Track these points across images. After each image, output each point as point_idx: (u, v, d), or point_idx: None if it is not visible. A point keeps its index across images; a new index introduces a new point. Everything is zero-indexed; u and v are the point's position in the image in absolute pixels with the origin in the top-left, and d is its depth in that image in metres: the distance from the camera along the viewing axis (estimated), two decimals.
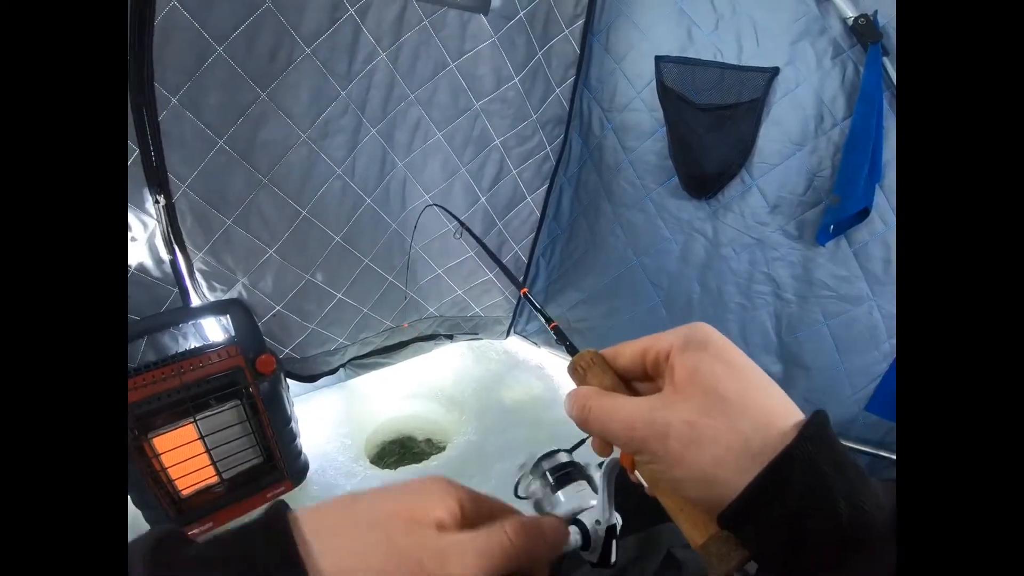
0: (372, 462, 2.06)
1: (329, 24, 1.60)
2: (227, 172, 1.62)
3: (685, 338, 0.40)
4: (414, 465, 2.03)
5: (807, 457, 0.34)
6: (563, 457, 0.60)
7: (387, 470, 2.00)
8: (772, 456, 0.34)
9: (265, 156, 1.66)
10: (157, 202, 1.55)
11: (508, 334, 2.54)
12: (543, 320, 0.77)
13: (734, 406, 0.37)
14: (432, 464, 2.01)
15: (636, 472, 0.43)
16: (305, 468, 1.89)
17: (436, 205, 1.76)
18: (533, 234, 2.28)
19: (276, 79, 1.58)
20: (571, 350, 0.53)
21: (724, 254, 1.88)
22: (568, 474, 0.59)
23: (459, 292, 2.30)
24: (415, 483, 0.39)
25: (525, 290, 0.93)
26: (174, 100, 1.47)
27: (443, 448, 2.12)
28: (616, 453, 0.45)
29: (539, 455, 0.61)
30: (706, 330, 0.41)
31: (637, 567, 0.72)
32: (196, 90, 1.49)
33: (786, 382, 1.80)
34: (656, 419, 0.38)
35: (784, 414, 0.37)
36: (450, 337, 2.40)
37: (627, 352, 0.44)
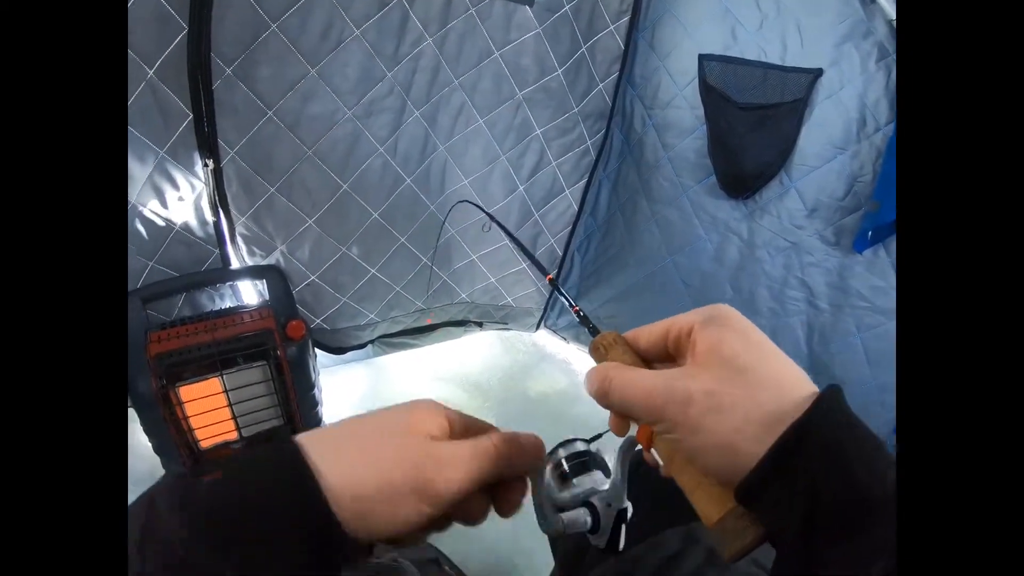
0: None
1: (378, 9, 1.63)
2: (274, 142, 1.67)
3: (707, 315, 0.41)
4: None
5: (823, 424, 0.34)
6: (580, 446, 0.60)
7: None
8: (788, 425, 0.34)
9: (311, 129, 1.70)
10: (206, 165, 1.61)
11: (538, 327, 2.51)
12: (567, 303, 0.75)
13: (753, 377, 0.37)
14: None
15: (652, 450, 0.43)
16: None
17: (466, 201, 1.75)
18: (569, 228, 2.25)
19: (325, 57, 1.62)
20: (593, 332, 0.52)
21: (758, 256, 1.82)
22: (584, 463, 0.59)
23: (492, 280, 2.29)
24: (407, 403, 0.43)
25: (551, 276, 0.89)
26: (228, 71, 1.52)
27: None
28: (632, 431, 0.45)
29: (556, 444, 0.60)
30: (727, 309, 0.42)
31: (678, 562, 0.70)
32: (249, 63, 1.54)
33: None
34: (676, 388, 0.38)
35: (801, 386, 0.37)
36: (480, 325, 2.39)
37: (648, 333, 0.46)
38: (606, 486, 0.56)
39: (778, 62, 1.61)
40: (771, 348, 0.39)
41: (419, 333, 2.27)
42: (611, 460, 0.57)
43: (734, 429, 0.36)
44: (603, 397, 0.44)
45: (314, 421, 1.85)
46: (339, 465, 0.36)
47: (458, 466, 0.39)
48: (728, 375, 0.37)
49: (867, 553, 0.31)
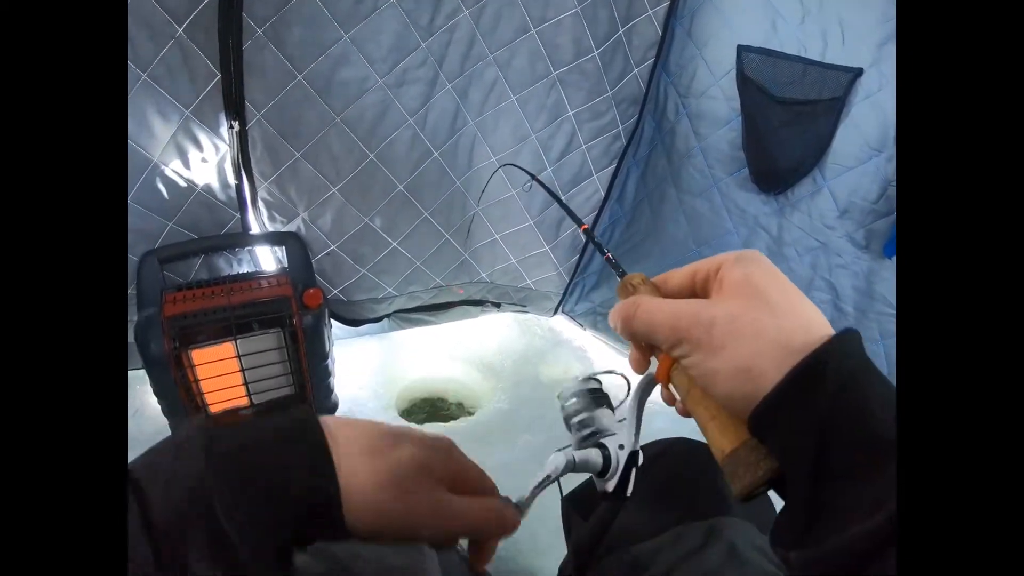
0: (400, 415, 2.00)
1: None
2: (302, 106, 1.61)
3: (737, 255, 0.41)
4: (440, 424, 1.95)
5: (843, 357, 0.33)
6: (593, 383, 0.59)
7: (412, 424, 1.93)
8: (809, 353, 0.34)
9: (340, 96, 1.64)
10: (231, 127, 1.55)
11: (556, 312, 2.43)
12: (600, 251, 0.71)
13: (778, 307, 0.37)
14: (460, 425, 1.93)
15: (671, 385, 0.43)
16: (334, 407, 1.86)
17: (511, 164, 1.66)
18: (595, 213, 2.18)
19: (360, 22, 1.56)
20: (622, 275, 0.51)
21: (786, 254, 1.74)
22: (597, 399, 0.58)
23: (513, 260, 2.22)
24: (436, 441, 0.44)
25: (585, 226, 0.84)
26: (259, 31, 1.47)
27: (473, 413, 2.04)
28: (652, 369, 0.45)
29: (580, 378, 0.60)
30: (755, 252, 0.41)
31: (698, 558, 0.69)
32: (281, 24, 1.48)
33: None
34: (702, 311, 0.38)
35: (823, 325, 0.37)
36: (497, 306, 2.32)
37: (677, 276, 0.45)
38: (617, 428, 0.55)
39: (818, 58, 1.54)
40: (797, 290, 0.39)
41: (436, 310, 2.21)
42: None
43: (755, 352, 0.35)
44: (627, 322, 0.43)
45: (325, 391, 1.80)
46: (358, 481, 0.38)
47: (464, 522, 0.42)
48: (754, 303, 0.37)
49: (876, 496, 0.29)
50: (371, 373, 2.08)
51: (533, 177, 1.11)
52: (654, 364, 0.45)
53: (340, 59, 1.57)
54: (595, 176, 2.09)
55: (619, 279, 0.51)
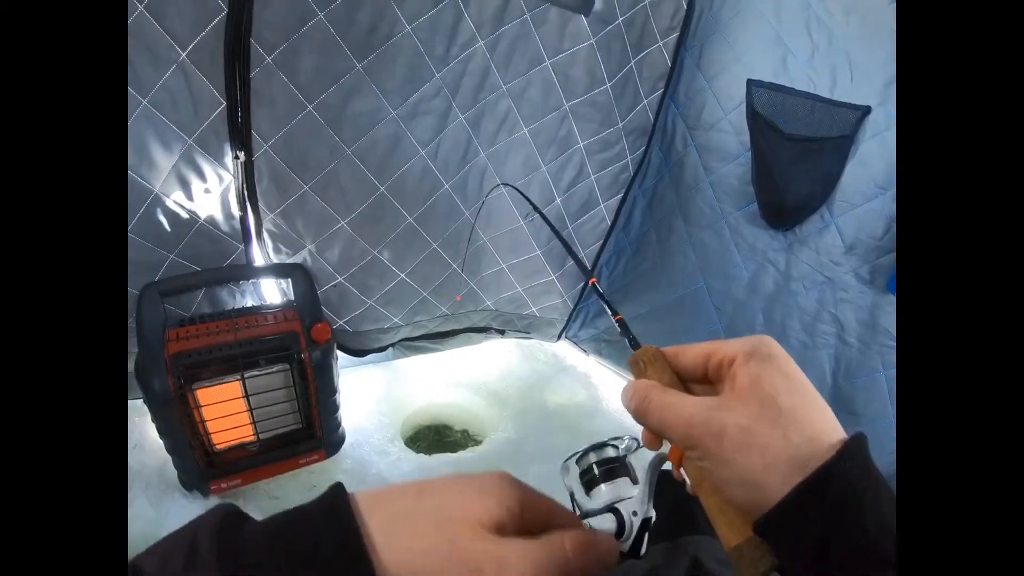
0: (406, 444, 1.94)
1: (433, 5, 1.48)
2: (312, 138, 1.52)
3: (752, 347, 0.40)
4: (449, 454, 1.89)
5: (844, 474, 0.34)
6: (610, 452, 0.59)
7: (421, 455, 1.87)
8: (815, 468, 0.34)
9: (352, 127, 1.55)
10: (237, 158, 1.46)
11: (559, 337, 2.38)
12: (609, 312, 0.69)
13: (788, 418, 0.37)
14: (467, 455, 1.88)
15: (682, 469, 0.43)
16: (341, 440, 1.78)
17: (510, 185, 1.60)
18: (601, 242, 2.12)
19: (374, 52, 1.47)
20: (633, 344, 0.51)
21: (793, 288, 1.72)
22: (613, 470, 0.58)
23: (519, 289, 2.16)
24: (480, 480, 0.37)
25: (594, 280, 0.81)
26: (268, 59, 1.37)
27: (480, 441, 1.99)
28: (664, 449, 0.45)
29: (587, 446, 0.59)
30: (771, 343, 0.40)
31: (666, 572, 0.71)
32: (292, 52, 1.39)
33: None
34: (713, 419, 0.38)
35: (831, 431, 0.37)
36: (502, 332, 2.26)
37: (690, 353, 0.44)
38: (632, 493, 0.56)
39: (827, 95, 1.52)
40: (809, 389, 0.39)
41: (440, 338, 2.14)
42: (637, 466, 0.56)
43: (763, 466, 0.36)
44: (641, 416, 0.43)
45: (333, 425, 1.72)
46: (395, 551, 0.32)
47: (523, 572, 0.32)
48: (764, 413, 0.37)
49: None
50: (375, 402, 2.00)
51: (536, 209, 1.05)
52: (666, 443, 0.45)
53: (352, 90, 1.48)
54: (602, 205, 2.03)
55: (629, 345, 0.50)
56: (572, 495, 0.59)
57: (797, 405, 0.37)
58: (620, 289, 2.20)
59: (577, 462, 0.60)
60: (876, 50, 1.43)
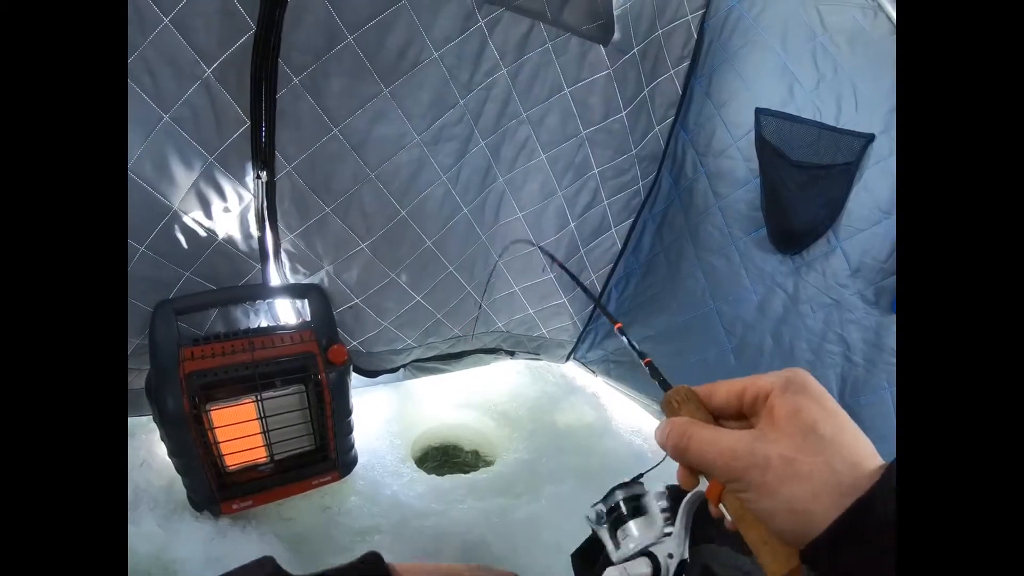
0: (416, 464, 1.89)
1: (460, 32, 1.46)
2: (336, 161, 1.48)
3: (787, 380, 0.40)
4: (461, 475, 1.84)
5: (888, 498, 0.33)
6: (637, 489, 0.57)
7: (432, 475, 1.82)
8: (859, 494, 0.34)
9: (376, 152, 1.52)
10: (259, 178, 1.42)
11: (568, 359, 2.35)
12: (636, 356, 0.66)
13: (830, 446, 0.36)
14: (482, 476, 1.82)
15: (720, 505, 0.42)
16: (354, 462, 1.73)
17: (522, 241, 1.60)
18: (611, 265, 2.10)
19: (401, 77, 1.44)
20: (664, 385, 0.50)
21: (801, 311, 1.72)
22: (640, 506, 0.56)
23: (530, 311, 2.13)
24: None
25: (619, 324, 0.79)
26: (296, 80, 1.34)
27: (491, 463, 1.94)
28: (701, 486, 0.44)
29: (613, 486, 0.57)
30: (805, 375, 0.41)
31: None
32: (320, 74, 1.36)
33: None
34: (757, 451, 0.38)
35: (871, 457, 0.37)
36: (511, 354, 2.22)
37: (723, 390, 0.44)
38: (659, 531, 0.54)
39: (833, 123, 1.54)
40: (845, 417, 0.39)
41: (451, 359, 2.09)
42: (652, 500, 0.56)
43: (809, 495, 0.35)
44: (682, 453, 0.42)
45: (347, 448, 1.67)
46: None
47: None
48: (807, 442, 0.37)
49: None
50: (387, 423, 1.94)
51: (558, 263, 1.03)
52: (703, 481, 0.44)
53: (379, 114, 1.45)
54: (614, 230, 2.02)
55: (660, 387, 0.50)
56: (602, 545, 0.56)
57: (837, 433, 0.37)
58: (630, 311, 2.17)
59: (603, 501, 0.58)
60: (880, 79, 1.45)
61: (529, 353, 2.25)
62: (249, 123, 1.34)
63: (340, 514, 1.62)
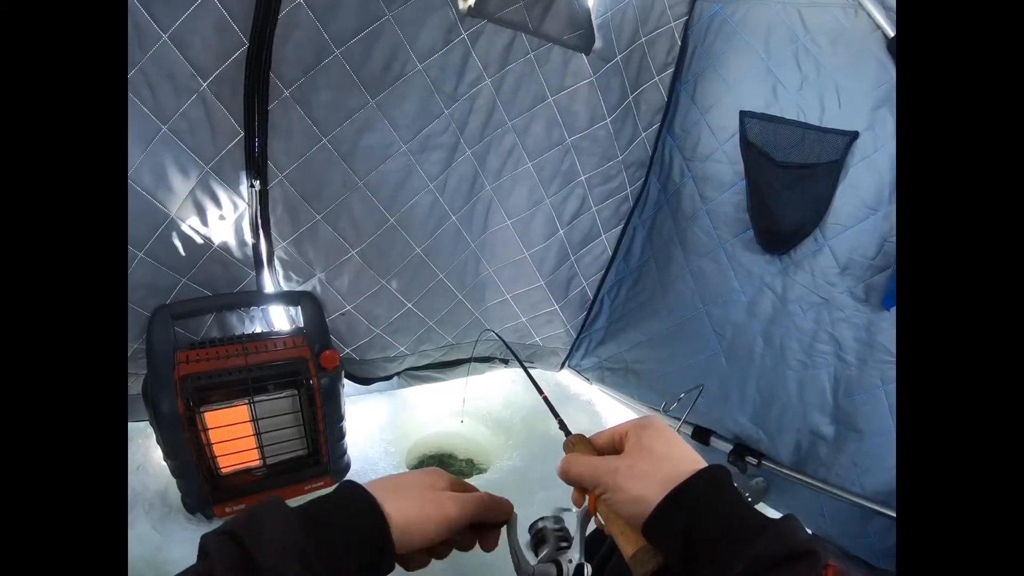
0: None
1: (443, 44, 1.52)
2: (326, 169, 1.54)
3: (639, 423, 0.58)
4: None
5: (700, 485, 0.50)
6: (555, 523, 0.72)
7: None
8: (677, 484, 0.50)
9: (365, 160, 1.58)
10: (252, 186, 1.48)
11: (562, 367, 2.36)
12: (554, 416, 0.84)
13: (661, 458, 0.54)
14: (473, 483, 1.82)
15: (597, 514, 0.59)
16: (347, 468, 1.75)
17: (491, 330, 1.70)
18: (602, 272, 2.13)
19: (387, 89, 1.51)
20: (565, 431, 0.69)
21: (791, 311, 1.72)
22: (560, 535, 0.71)
23: (523, 319, 2.16)
24: (428, 469, 0.64)
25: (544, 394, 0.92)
26: (287, 92, 1.41)
27: (484, 470, 1.95)
28: (586, 502, 0.60)
29: (539, 518, 0.73)
30: (655, 418, 0.59)
31: None
32: (309, 87, 1.42)
33: (836, 444, 1.69)
34: (610, 463, 0.56)
35: (693, 463, 0.53)
36: (505, 362, 2.25)
37: (603, 435, 0.62)
38: (568, 548, 0.69)
39: (816, 123, 1.56)
40: (679, 443, 0.56)
41: (444, 367, 2.12)
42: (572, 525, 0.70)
43: (643, 488, 0.51)
44: (564, 474, 0.59)
45: (339, 453, 1.69)
46: (393, 505, 0.54)
47: (463, 505, 0.59)
48: (643, 456, 0.54)
49: (723, 570, 0.44)
50: (381, 431, 1.96)
51: (520, 364, 1.06)
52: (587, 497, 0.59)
53: (365, 124, 1.51)
54: (603, 236, 2.05)
55: (559, 428, 0.71)
56: (517, 553, 0.70)
57: (667, 451, 0.54)
58: (622, 318, 2.19)
59: (528, 529, 0.73)
60: (862, 77, 1.47)
61: (523, 361, 2.27)
62: (243, 134, 1.41)
63: None
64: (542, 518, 0.73)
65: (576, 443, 0.63)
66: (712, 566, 0.45)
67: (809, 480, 1.75)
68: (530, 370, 0.99)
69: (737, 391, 1.86)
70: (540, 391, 0.92)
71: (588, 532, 0.69)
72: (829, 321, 1.65)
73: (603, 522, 0.58)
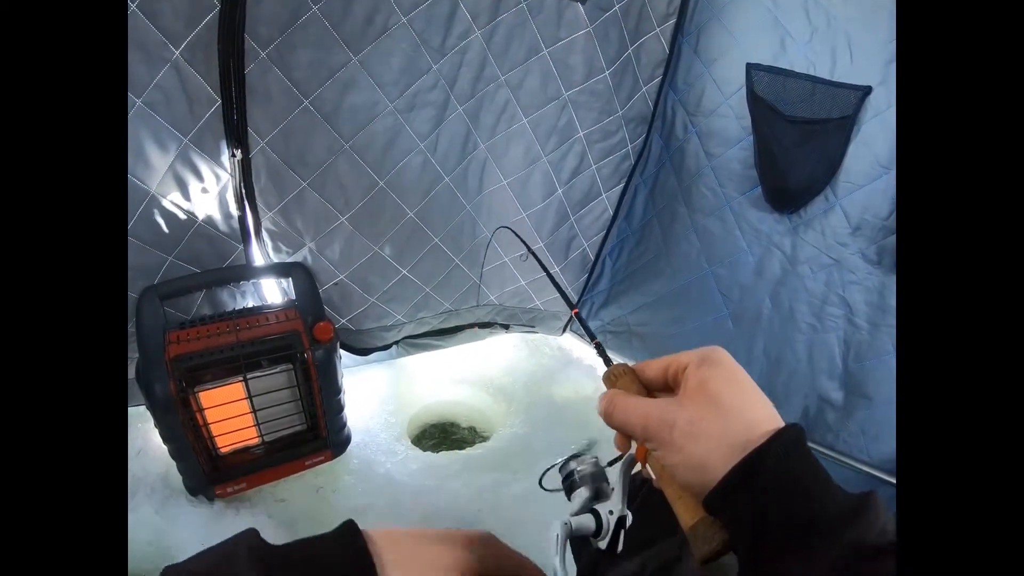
0: (413, 442, 1.90)
1: None
2: (309, 133, 1.49)
3: (701, 356, 0.46)
4: (457, 452, 1.85)
5: (779, 454, 0.39)
6: (588, 459, 0.63)
7: (428, 452, 1.83)
8: (750, 451, 0.39)
9: (350, 121, 1.52)
10: (233, 156, 1.43)
11: (564, 331, 2.34)
12: (588, 336, 0.74)
13: (730, 413, 0.42)
14: (477, 452, 1.83)
15: (647, 465, 0.49)
16: (347, 441, 1.74)
17: (506, 227, 1.60)
18: (604, 232, 2.09)
19: (369, 44, 1.44)
20: (608, 363, 0.56)
21: (800, 272, 1.69)
22: (592, 475, 0.62)
23: (522, 283, 2.12)
24: (469, 536, 0.46)
25: (576, 310, 0.84)
26: (263, 54, 1.34)
27: (487, 438, 1.95)
28: (632, 449, 0.52)
29: (568, 455, 0.64)
30: (720, 352, 0.46)
31: (678, 567, 0.72)
32: (287, 47, 1.36)
33: (845, 410, 1.65)
34: (666, 415, 0.44)
35: (769, 422, 0.42)
36: (506, 327, 2.22)
37: (653, 366, 0.50)
38: (609, 496, 0.60)
39: (827, 76, 1.50)
40: (752, 389, 0.44)
41: (444, 334, 2.10)
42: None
43: (707, 451, 0.41)
44: (608, 418, 0.49)
45: (338, 425, 1.68)
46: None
47: None
48: (709, 409, 0.43)
49: (804, 568, 0.35)
50: (381, 401, 1.96)
51: (529, 250, 1.04)
52: (635, 443, 0.51)
53: (349, 83, 1.45)
54: (604, 196, 2.00)
55: (605, 364, 0.56)
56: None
57: (737, 403, 0.43)
58: (625, 279, 2.16)
59: (560, 470, 0.64)
60: (875, 30, 1.40)
61: (524, 326, 2.25)
62: (220, 101, 1.35)
63: (333, 494, 1.64)
64: (574, 457, 0.64)
65: (620, 375, 0.52)
66: (794, 556, 0.36)
67: (816, 447, 1.73)
68: (531, 335, 0.94)
69: (744, 354, 1.83)
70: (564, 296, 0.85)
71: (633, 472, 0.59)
72: (840, 283, 1.61)
73: (654, 477, 0.49)
